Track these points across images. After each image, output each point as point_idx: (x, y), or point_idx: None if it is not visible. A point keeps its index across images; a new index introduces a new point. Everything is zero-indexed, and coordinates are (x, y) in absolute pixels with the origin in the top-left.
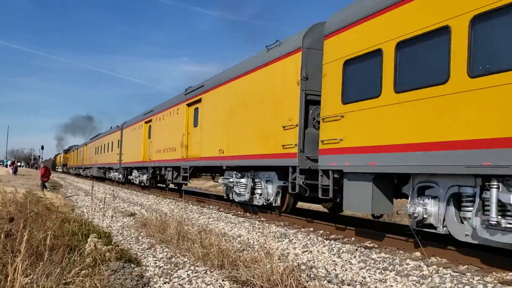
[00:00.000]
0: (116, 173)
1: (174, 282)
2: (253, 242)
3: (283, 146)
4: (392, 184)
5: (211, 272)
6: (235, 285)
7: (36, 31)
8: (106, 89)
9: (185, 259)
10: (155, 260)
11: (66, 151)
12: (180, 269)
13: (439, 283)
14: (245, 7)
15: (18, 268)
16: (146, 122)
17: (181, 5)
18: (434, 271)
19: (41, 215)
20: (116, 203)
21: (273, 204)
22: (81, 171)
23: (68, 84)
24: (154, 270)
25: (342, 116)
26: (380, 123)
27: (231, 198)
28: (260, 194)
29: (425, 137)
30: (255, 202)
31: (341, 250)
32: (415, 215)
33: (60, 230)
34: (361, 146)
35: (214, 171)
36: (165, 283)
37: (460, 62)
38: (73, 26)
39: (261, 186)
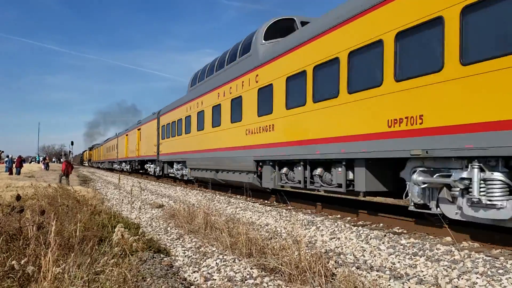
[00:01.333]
0: (116, 165)
1: (203, 271)
2: (281, 230)
3: (154, 152)
4: (168, 163)
5: (239, 260)
6: (263, 272)
7: (66, 31)
8: (133, 83)
9: (214, 249)
10: (184, 250)
11: (90, 149)
12: (209, 258)
13: (471, 267)
14: None
15: (49, 259)
16: (126, 135)
17: None
18: (466, 256)
19: (72, 208)
20: (145, 196)
21: (157, 174)
22: (100, 164)
23: (96, 81)
24: (183, 260)
25: (161, 144)
26: (170, 146)
27: (150, 173)
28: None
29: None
30: (155, 174)
31: (369, 236)
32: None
33: (90, 222)
34: (166, 153)
35: (145, 162)
36: (194, 272)
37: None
38: (100, 24)
39: (155, 167)
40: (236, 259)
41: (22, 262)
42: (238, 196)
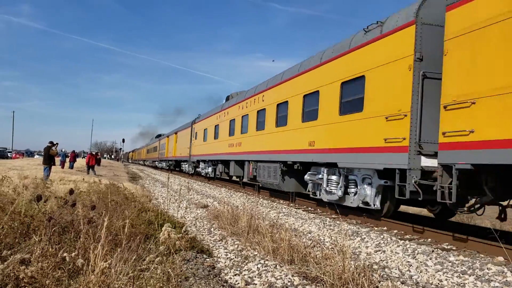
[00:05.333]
0: (141, 162)
1: (245, 274)
2: (324, 239)
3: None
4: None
5: (280, 267)
6: (304, 281)
7: (121, 30)
8: (182, 84)
9: (255, 253)
10: (226, 252)
11: (133, 151)
12: (250, 262)
13: None
14: (322, 1)
15: (99, 253)
16: (157, 141)
17: (258, 2)
18: None
19: (120, 204)
20: (190, 195)
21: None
22: (135, 161)
23: (147, 80)
24: (225, 262)
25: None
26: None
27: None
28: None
29: None
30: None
31: (416, 251)
32: None
33: (137, 219)
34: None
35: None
36: (235, 275)
37: None
38: (153, 25)
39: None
40: (277, 265)
41: (73, 254)
42: (281, 201)
